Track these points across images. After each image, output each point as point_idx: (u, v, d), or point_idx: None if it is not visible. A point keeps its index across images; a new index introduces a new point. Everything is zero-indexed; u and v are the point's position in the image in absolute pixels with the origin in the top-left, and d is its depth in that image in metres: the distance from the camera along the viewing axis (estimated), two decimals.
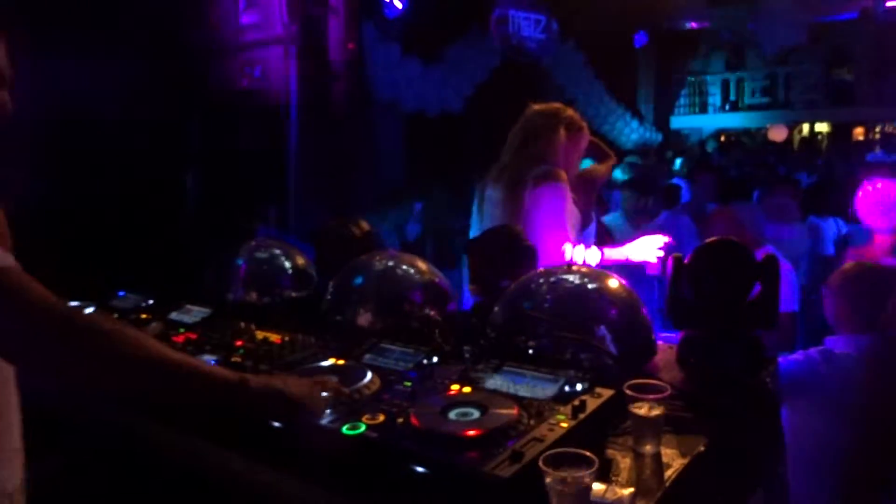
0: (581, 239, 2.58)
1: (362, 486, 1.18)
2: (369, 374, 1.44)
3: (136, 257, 3.22)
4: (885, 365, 2.04)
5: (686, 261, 1.73)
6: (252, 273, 2.33)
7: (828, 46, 12.61)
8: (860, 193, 3.42)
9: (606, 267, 2.54)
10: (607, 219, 4.50)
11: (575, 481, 1.01)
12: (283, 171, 4.91)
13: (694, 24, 11.34)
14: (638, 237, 2.73)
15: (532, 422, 1.23)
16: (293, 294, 2.31)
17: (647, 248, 2.56)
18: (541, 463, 1.03)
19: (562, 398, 1.32)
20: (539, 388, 1.37)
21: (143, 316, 2.07)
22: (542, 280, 1.74)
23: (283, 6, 4.89)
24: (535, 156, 2.52)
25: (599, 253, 2.52)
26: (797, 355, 2.17)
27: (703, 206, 4.81)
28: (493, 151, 2.72)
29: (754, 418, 1.54)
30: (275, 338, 1.80)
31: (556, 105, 2.66)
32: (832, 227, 4.60)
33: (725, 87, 14.00)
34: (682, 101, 13.83)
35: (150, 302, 2.20)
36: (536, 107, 2.64)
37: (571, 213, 2.54)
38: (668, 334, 1.98)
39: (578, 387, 1.35)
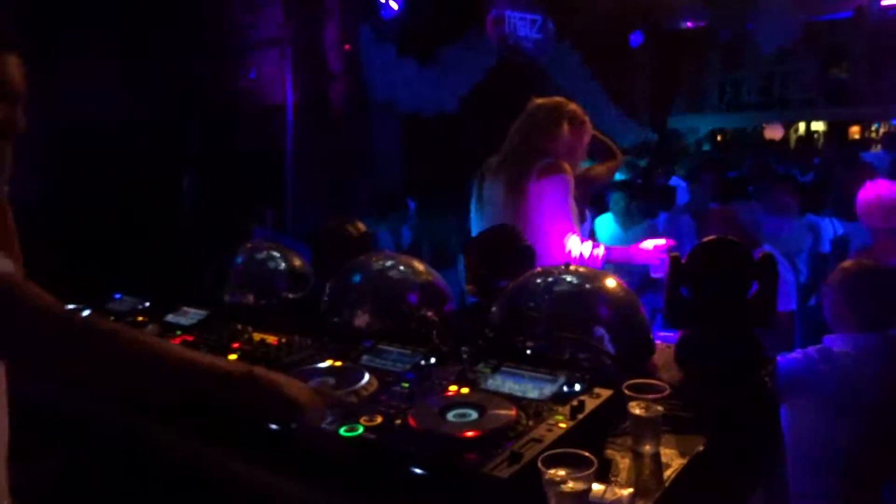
0: (581, 234, 2.57)
1: (361, 488, 1.17)
2: (367, 376, 1.43)
3: (132, 259, 3.21)
4: (886, 364, 2.04)
5: (684, 260, 1.72)
6: (249, 274, 2.32)
7: (823, 45, 12.63)
8: (861, 194, 3.42)
9: (610, 266, 2.54)
10: (599, 219, 4.51)
11: (574, 482, 1.01)
12: (279, 172, 4.90)
13: (690, 24, 11.35)
14: (627, 239, 2.72)
15: (530, 422, 1.22)
16: (290, 295, 2.30)
17: (651, 251, 2.54)
18: (539, 464, 1.02)
19: (560, 398, 1.31)
20: (537, 389, 1.36)
21: (140, 318, 2.06)
22: (539, 280, 1.73)
23: (278, 8, 4.88)
24: (539, 150, 2.52)
25: (604, 250, 2.51)
26: (796, 354, 2.17)
27: (704, 206, 4.80)
28: (491, 151, 2.71)
29: (753, 418, 1.53)
30: (272, 339, 1.79)
31: (559, 99, 2.66)
32: (829, 226, 4.61)
33: (722, 86, 14.02)
34: (678, 100, 13.84)
35: (147, 304, 2.19)
36: (539, 101, 2.65)
37: (573, 207, 2.54)
38: (666, 334, 1.98)
39: (577, 387, 1.35)
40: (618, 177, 5.54)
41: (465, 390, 1.37)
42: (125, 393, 1.10)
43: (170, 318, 2.06)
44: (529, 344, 1.61)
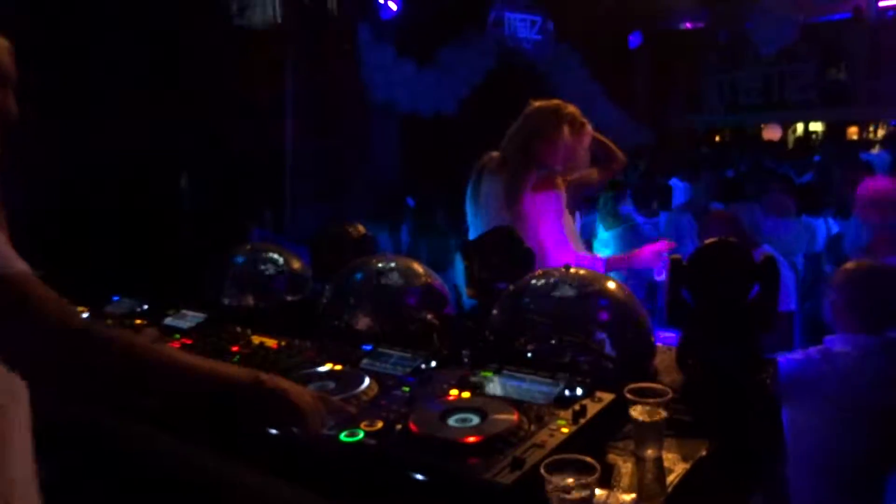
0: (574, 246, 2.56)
1: (361, 494, 1.17)
2: (367, 380, 1.42)
3: (130, 261, 3.20)
4: (886, 365, 2.03)
5: (685, 262, 1.71)
6: (247, 277, 2.31)
7: (821, 46, 12.64)
8: (860, 191, 3.41)
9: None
10: (587, 219, 4.50)
11: (577, 488, 1.00)
12: (278, 173, 4.89)
13: (689, 25, 11.36)
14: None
15: (532, 427, 1.21)
16: (289, 298, 2.29)
17: (650, 256, 2.53)
18: (542, 470, 1.01)
19: (562, 402, 1.30)
20: (538, 393, 1.35)
21: (138, 321, 2.05)
22: (540, 283, 1.72)
23: (278, 8, 4.87)
24: (537, 156, 2.49)
25: (603, 262, 2.49)
26: (796, 355, 2.16)
27: (705, 206, 4.81)
28: (487, 152, 2.69)
29: (756, 420, 1.53)
30: (271, 343, 1.78)
31: (557, 102, 2.63)
32: (822, 226, 4.62)
33: (720, 86, 14.02)
34: (676, 101, 13.84)
35: (145, 307, 2.18)
36: (537, 104, 2.60)
37: (567, 220, 2.52)
38: (667, 334, 1.97)
39: (578, 391, 1.34)
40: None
41: (465, 394, 1.36)
42: (134, 401, 1.08)
43: (168, 320, 2.05)
44: (530, 347, 1.60)
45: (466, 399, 1.34)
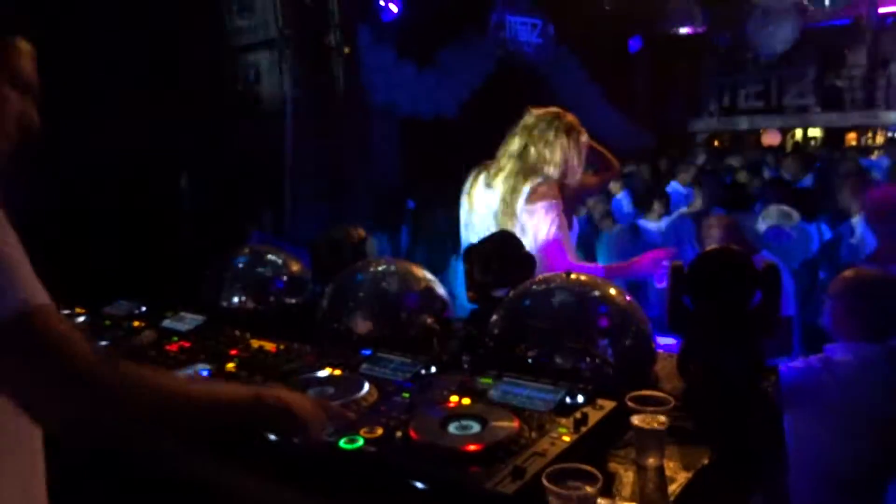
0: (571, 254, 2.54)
1: (360, 500, 1.16)
2: (367, 386, 1.41)
3: (129, 262, 3.18)
4: (887, 374, 2.02)
5: (686, 268, 1.71)
6: (246, 279, 2.30)
7: (821, 52, 12.67)
8: (870, 196, 3.41)
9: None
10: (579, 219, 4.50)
11: (579, 499, 0.99)
12: (278, 175, 4.88)
13: (689, 29, 11.37)
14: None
15: (533, 434, 1.21)
16: (287, 301, 2.28)
17: (651, 264, 2.51)
18: (544, 480, 1.01)
19: (563, 410, 1.30)
20: (539, 400, 1.34)
21: (136, 323, 2.04)
22: (540, 288, 1.72)
23: (278, 9, 4.86)
24: (535, 164, 2.47)
25: (602, 271, 2.48)
26: (797, 363, 2.16)
27: (706, 211, 4.81)
28: (489, 155, 2.68)
29: (758, 428, 1.52)
30: (270, 346, 1.77)
31: (555, 109, 2.61)
32: (815, 232, 4.63)
33: (719, 91, 14.04)
34: (676, 105, 13.85)
35: (143, 308, 2.16)
36: (535, 111, 2.58)
37: (564, 228, 2.50)
38: (666, 340, 1.96)
39: (579, 398, 1.33)
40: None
41: (466, 401, 1.36)
42: (145, 435, 1.07)
43: (166, 322, 2.03)
44: (530, 353, 1.59)
45: (467, 406, 1.33)
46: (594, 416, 1.26)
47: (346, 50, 5.17)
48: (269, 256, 2.37)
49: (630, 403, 1.28)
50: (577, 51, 9.69)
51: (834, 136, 13.49)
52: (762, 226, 3.91)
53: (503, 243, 2.06)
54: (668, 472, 1.24)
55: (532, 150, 2.48)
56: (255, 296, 2.27)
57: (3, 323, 0.89)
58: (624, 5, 9.53)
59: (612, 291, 1.69)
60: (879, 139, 12.80)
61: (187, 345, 1.84)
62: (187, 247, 3.84)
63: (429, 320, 1.91)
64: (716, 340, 1.67)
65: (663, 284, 2.41)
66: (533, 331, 1.61)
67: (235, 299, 2.26)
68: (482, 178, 2.56)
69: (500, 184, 2.49)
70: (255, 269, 2.32)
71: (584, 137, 2.59)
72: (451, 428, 1.22)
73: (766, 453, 1.59)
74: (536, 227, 2.40)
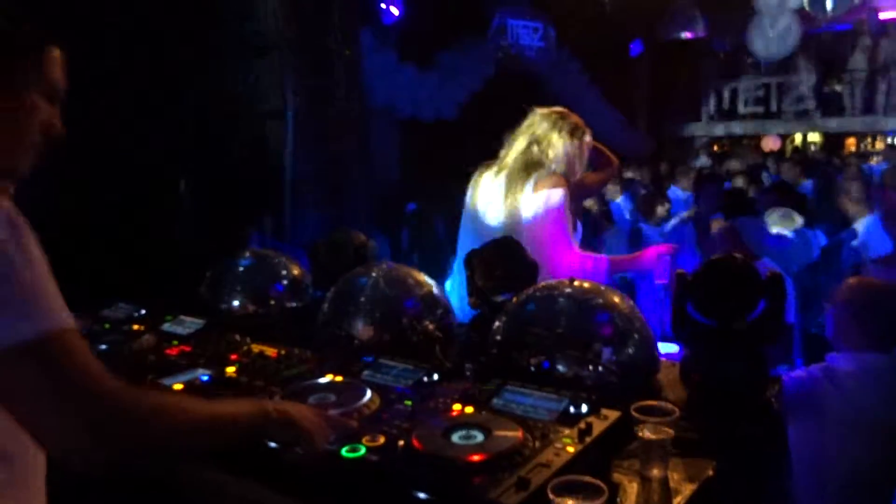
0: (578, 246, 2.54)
1: None
2: (369, 393, 1.40)
3: (128, 265, 3.17)
4: (891, 384, 2.01)
5: (691, 277, 1.70)
6: (246, 283, 2.28)
7: (821, 58, 12.68)
8: (888, 204, 3.41)
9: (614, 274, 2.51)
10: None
11: None
12: (278, 178, 4.87)
13: (689, 34, 11.39)
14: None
15: (537, 444, 1.19)
16: (288, 305, 2.27)
17: (654, 259, 2.52)
18: (550, 492, 0.99)
19: (567, 420, 1.28)
20: (543, 409, 1.33)
21: (136, 327, 2.02)
22: (543, 296, 1.71)
23: (278, 13, 4.85)
24: (539, 161, 2.48)
25: (607, 263, 2.48)
26: (799, 373, 2.15)
27: (707, 217, 4.81)
28: (489, 158, 2.68)
29: (762, 440, 1.51)
30: (270, 352, 1.76)
31: (560, 110, 2.62)
32: (817, 237, 4.62)
33: (719, 96, 14.05)
34: (675, 110, 13.87)
35: (143, 312, 2.15)
36: (540, 111, 2.60)
37: (570, 219, 2.51)
38: (668, 348, 1.95)
39: (583, 408, 1.31)
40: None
41: (469, 409, 1.34)
42: (163, 459, 1.05)
43: (166, 326, 2.02)
44: (533, 361, 1.58)
45: (470, 414, 1.32)
46: (598, 427, 1.25)
47: (347, 52, 5.16)
48: (270, 260, 2.35)
49: (635, 414, 1.27)
50: (577, 54, 9.70)
51: (834, 141, 13.51)
52: (764, 232, 3.89)
53: (505, 249, 2.05)
54: (672, 484, 1.23)
55: (535, 148, 2.50)
56: (255, 299, 2.25)
57: (21, 348, 0.86)
58: (625, 10, 9.54)
59: (616, 299, 1.68)
60: (879, 145, 12.81)
61: (187, 349, 1.83)
62: (187, 249, 3.82)
63: (430, 326, 1.89)
64: (719, 349, 1.66)
65: (663, 280, 2.42)
66: (535, 339, 1.60)
67: (235, 302, 2.25)
68: (486, 177, 2.57)
69: (504, 180, 2.50)
70: (255, 273, 2.30)
71: (588, 138, 2.60)
72: (455, 437, 1.20)
73: (772, 465, 1.58)
74: (542, 215, 2.40)
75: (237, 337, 1.87)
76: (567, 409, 1.31)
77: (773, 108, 13.43)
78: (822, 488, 2.01)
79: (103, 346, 1.84)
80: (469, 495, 1.06)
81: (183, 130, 3.85)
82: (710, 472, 1.26)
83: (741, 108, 13.83)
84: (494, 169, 2.57)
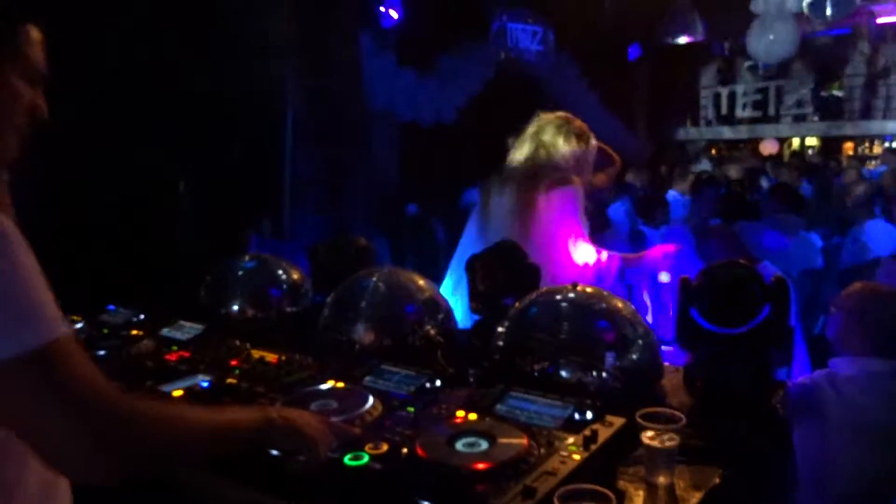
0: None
1: None
2: (371, 400, 1.38)
3: (127, 265, 3.14)
4: (894, 390, 2.00)
5: (694, 282, 1.69)
6: (246, 287, 2.27)
7: (819, 62, 12.71)
8: None
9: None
10: None
11: None
12: (277, 181, 4.85)
13: (688, 38, 11.39)
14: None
15: (542, 451, 1.18)
16: (288, 309, 2.25)
17: (660, 257, 2.53)
18: (556, 501, 0.98)
19: (571, 427, 1.27)
20: (547, 416, 1.32)
21: (134, 332, 2.00)
22: (546, 301, 1.69)
23: (278, 15, 4.84)
24: (547, 164, 2.49)
25: (619, 260, 2.48)
26: (803, 378, 2.13)
27: (705, 221, 4.80)
28: (488, 161, 2.68)
29: (767, 447, 1.50)
30: (271, 358, 1.74)
31: (565, 115, 2.64)
32: (817, 241, 4.62)
33: (717, 100, 14.07)
34: (674, 113, 13.88)
35: (142, 317, 2.13)
36: (546, 116, 2.61)
37: (584, 218, 2.51)
38: (665, 348, 1.94)
39: (588, 414, 1.30)
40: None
41: (472, 416, 1.33)
42: (163, 469, 1.04)
43: (165, 331, 2.00)
44: (537, 367, 1.56)
45: (473, 421, 1.30)
46: (604, 434, 1.24)
47: (347, 55, 5.15)
48: (269, 264, 2.33)
49: (640, 421, 1.26)
50: (576, 58, 9.69)
51: (831, 145, 13.53)
52: (764, 235, 3.89)
53: (507, 253, 2.04)
54: (679, 492, 1.21)
55: (542, 152, 2.51)
56: (254, 304, 2.23)
57: (18, 360, 0.84)
58: (624, 14, 9.54)
59: (619, 304, 1.66)
60: (877, 149, 12.82)
61: (187, 354, 1.81)
62: (186, 249, 3.80)
63: (432, 331, 1.88)
64: (724, 355, 1.65)
65: (666, 279, 2.43)
66: (539, 344, 1.59)
67: (235, 307, 2.23)
68: (494, 186, 2.57)
69: (514, 182, 2.50)
70: (254, 277, 2.29)
71: (594, 142, 2.62)
72: (459, 445, 1.19)
73: (777, 472, 1.57)
74: (555, 214, 2.41)
75: (237, 342, 1.85)
76: (572, 416, 1.30)
77: (772, 111, 13.46)
78: (823, 493, 2.00)
79: (102, 352, 1.82)
80: None
81: (183, 130, 3.82)
82: (717, 480, 1.25)
83: (739, 112, 13.85)
84: (504, 176, 2.58)
